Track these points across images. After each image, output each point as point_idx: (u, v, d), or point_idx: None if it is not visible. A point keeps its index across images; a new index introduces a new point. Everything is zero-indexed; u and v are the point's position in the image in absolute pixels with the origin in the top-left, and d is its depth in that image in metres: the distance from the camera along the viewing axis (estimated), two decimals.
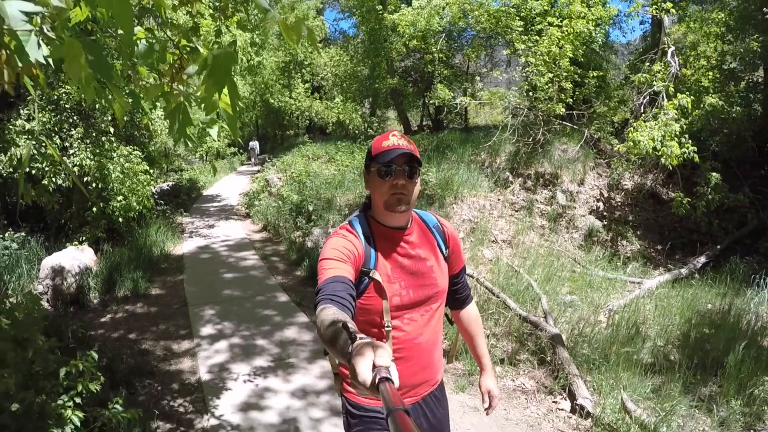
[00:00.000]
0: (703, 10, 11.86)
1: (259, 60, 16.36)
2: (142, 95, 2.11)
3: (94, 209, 7.26)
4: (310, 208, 9.35)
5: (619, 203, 9.83)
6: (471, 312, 1.99)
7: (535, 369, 4.24)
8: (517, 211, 9.11)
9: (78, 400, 2.65)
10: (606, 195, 9.97)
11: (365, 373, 0.93)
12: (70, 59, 1.34)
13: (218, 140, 21.93)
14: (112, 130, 7.41)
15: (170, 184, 15.60)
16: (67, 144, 7.01)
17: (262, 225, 10.71)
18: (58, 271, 6.07)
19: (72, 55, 1.34)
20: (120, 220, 7.41)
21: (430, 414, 1.79)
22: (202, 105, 1.87)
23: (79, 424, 2.52)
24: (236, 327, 5.16)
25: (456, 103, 12.56)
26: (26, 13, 1.20)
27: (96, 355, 2.92)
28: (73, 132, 7.05)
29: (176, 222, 10.75)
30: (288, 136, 31.62)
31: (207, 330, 5.10)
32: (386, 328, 1.61)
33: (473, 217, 8.60)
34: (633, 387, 3.75)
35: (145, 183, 7.67)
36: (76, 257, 6.43)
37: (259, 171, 18.00)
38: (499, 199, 9.37)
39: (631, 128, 8.33)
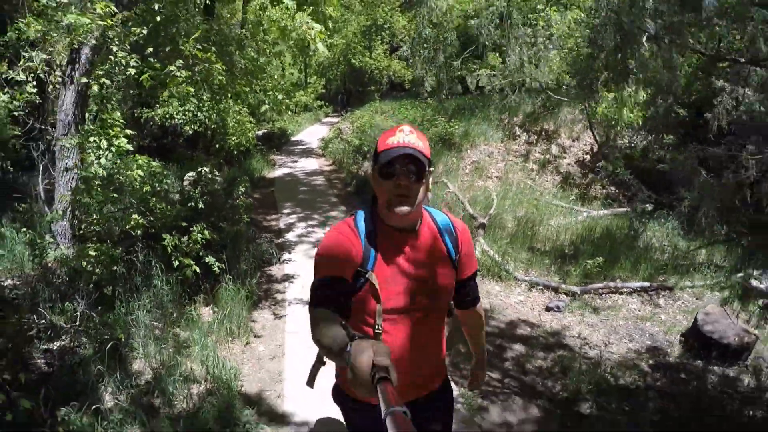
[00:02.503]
0: None
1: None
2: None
3: (217, 145, 11.12)
4: (366, 149, 12.86)
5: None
6: (476, 313, 1.91)
7: None
8: (516, 158, 12.12)
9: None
10: (594, 150, 12.71)
11: (364, 373, 0.96)
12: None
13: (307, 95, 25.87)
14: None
15: (264, 131, 19.56)
16: (200, 104, 10.86)
17: (332, 161, 14.39)
18: (197, 180, 9.97)
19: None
20: (234, 152, 11.26)
21: (421, 419, 1.59)
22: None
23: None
24: (302, 210, 8.85)
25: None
26: None
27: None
28: (204, 96, 10.89)
29: (269, 158, 14.63)
30: (369, 92, 35.04)
31: (285, 211, 8.85)
32: (377, 331, 1.54)
33: (480, 159, 11.75)
34: (518, 257, 6.80)
35: (249, 128, 11.44)
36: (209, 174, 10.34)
37: (338, 121, 21.69)
38: (505, 148, 12.41)
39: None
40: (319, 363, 1.68)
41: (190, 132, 10.21)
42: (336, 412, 1.80)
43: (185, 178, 7.40)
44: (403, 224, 1.59)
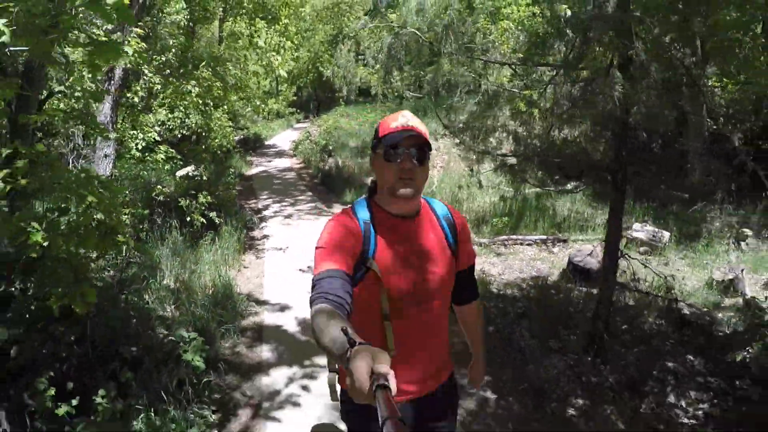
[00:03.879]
0: None
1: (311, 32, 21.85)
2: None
3: (203, 146, 13.01)
4: (330, 148, 14.87)
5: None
6: (474, 308, 1.92)
7: None
8: (460, 150, 14.22)
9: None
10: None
11: (363, 380, 0.96)
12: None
13: (278, 103, 27.75)
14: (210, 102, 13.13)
15: (241, 137, 21.44)
16: (188, 112, 12.77)
17: (302, 159, 16.38)
18: (185, 176, 11.89)
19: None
20: (218, 152, 13.17)
21: (429, 412, 1.72)
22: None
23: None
24: (276, 196, 10.85)
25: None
26: None
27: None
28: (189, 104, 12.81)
29: (247, 159, 16.55)
30: (337, 98, 37.19)
31: (263, 197, 10.86)
32: (385, 321, 1.56)
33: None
34: None
35: (229, 132, 13.37)
36: (195, 171, 12.25)
37: (308, 126, 23.68)
38: (450, 142, 14.50)
39: None
40: (333, 374, 1.64)
41: (179, 135, 12.10)
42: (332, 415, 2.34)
43: (177, 174, 9.30)
44: (405, 209, 1.60)
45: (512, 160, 5.11)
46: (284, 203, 10.23)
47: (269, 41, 14.00)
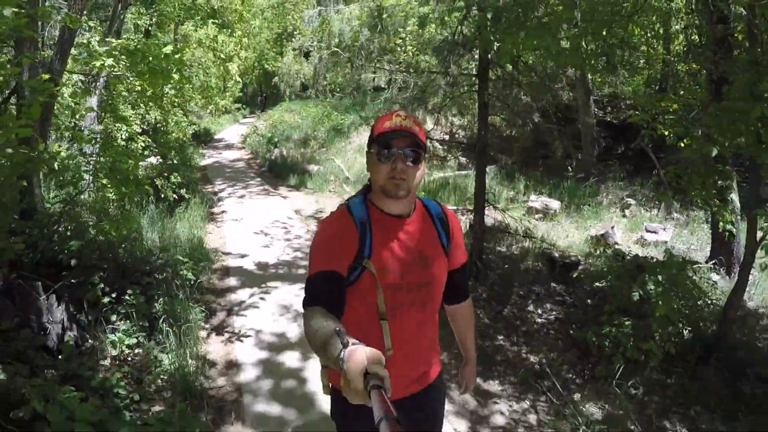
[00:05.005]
0: None
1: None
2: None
3: (162, 140, 14.39)
4: (275, 140, 16.48)
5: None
6: (466, 309, 1.96)
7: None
8: None
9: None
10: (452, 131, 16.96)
11: (357, 381, 0.96)
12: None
13: (225, 99, 28.93)
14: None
15: (192, 131, 22.69)
16: (147, 108, 14.12)
17: (250, 151, 17.93)
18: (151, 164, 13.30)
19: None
20: (176, 144, 14.57)
21: (422, 408, 1.77)
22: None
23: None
24: (229, 182, 12.45)
25: None
26: None
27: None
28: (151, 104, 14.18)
29: (199, 151, 17.94)
30: (282, 93, 38.55)
31: (218, 182, 12.46)
32: (381, 320, 1.58)
33: (363, 142, 15.65)
34: None
35: (184, 126, 14.79)
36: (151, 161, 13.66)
37: (254, 121, 25.11)
38: None
39: None
40: (325, 369, 1.64)
41: (140, 129, 13.47)
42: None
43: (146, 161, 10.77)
44: (398, 210, 1.63)
45: None
46: (236, 187, 11.86)
47: (225, 49, 15.61)
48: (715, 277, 5.81)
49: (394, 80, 8.58)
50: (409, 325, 1.64)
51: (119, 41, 5.45)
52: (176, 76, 4.80)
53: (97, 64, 5.00)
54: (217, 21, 14.23)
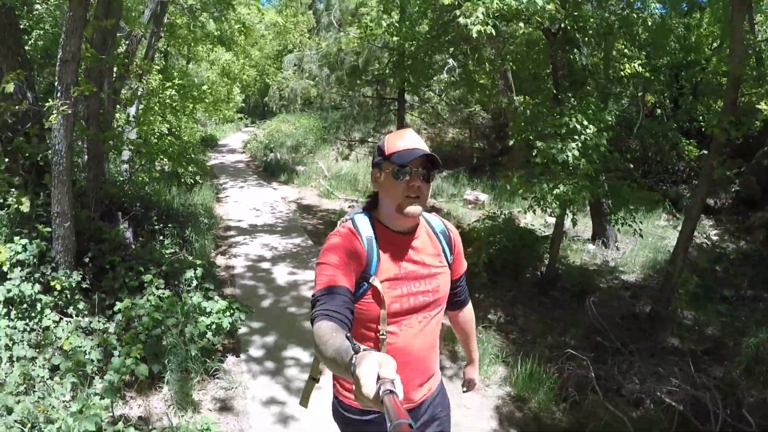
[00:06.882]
0: None
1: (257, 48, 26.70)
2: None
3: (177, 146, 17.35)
4: (271, 146, 19.46)
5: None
6: (467, 313, 2.04)
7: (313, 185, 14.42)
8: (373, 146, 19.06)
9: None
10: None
11: (369, 385, 0.96)
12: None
13: (229, 110, 31.99)
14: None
15: (200, 136, 25.69)
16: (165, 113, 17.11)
17: (250, 155, 20.92)
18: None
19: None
20: (191, 142, 17.53)
21: (429, 418, 1.82)
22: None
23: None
24: (231, 178, 15.40)
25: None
26: None
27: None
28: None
29: (206, 154, 20.91)
30: (282, 106, 41.65)
31: (222, 178, 15.38)
32: (381, 336, 1.61)
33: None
34: (344, 189, 13.77)
35: (195, 131, 17.76)
36: None
37: (255, 129, 28.15)
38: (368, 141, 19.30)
39: None
40: (312, 381, 1.73)
41: (158, 133, 16.47)
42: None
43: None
44: (407, 227, 1.67)
45: None
46: (237, 180, 14.83)
47: (233, 69, 18.82)
48: (591, 247, 8.69)
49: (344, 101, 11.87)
50: (414, 338, 1.68)
51: (180, 82, 8.58)
52: (207, 101, 7.74)
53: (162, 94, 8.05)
54: (224, 47, 17.30)
